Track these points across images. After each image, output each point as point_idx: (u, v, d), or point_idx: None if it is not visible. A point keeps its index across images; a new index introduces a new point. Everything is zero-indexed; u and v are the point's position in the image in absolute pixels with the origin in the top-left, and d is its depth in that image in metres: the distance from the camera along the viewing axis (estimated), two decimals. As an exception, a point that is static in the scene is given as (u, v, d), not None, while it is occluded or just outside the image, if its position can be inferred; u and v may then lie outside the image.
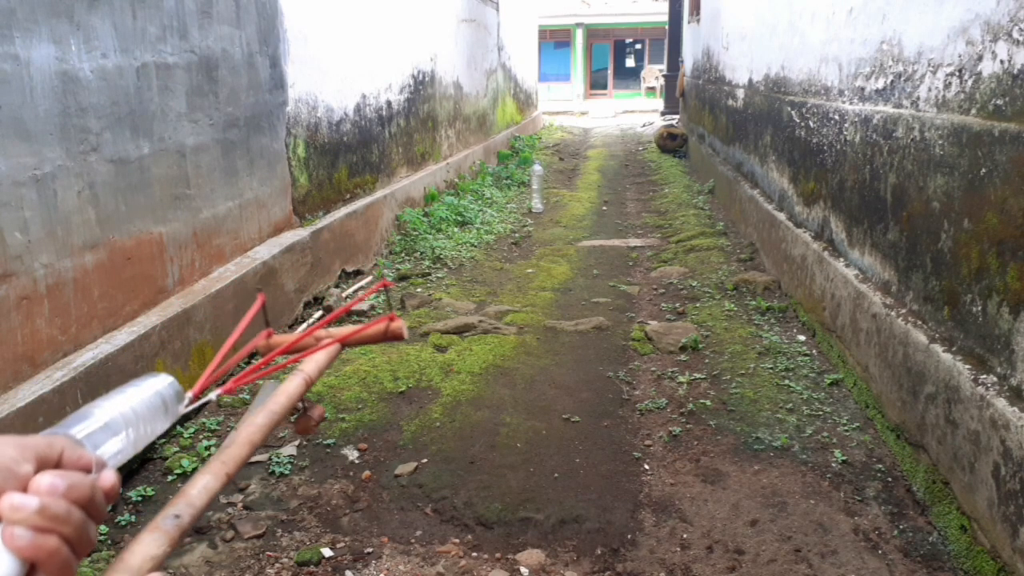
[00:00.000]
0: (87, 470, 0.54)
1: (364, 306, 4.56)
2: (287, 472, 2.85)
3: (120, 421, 0.62)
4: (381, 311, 4.64)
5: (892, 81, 3.31)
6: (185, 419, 3.22)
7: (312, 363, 0.89)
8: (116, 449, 0.60)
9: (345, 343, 0.96)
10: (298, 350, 0.94)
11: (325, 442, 3.07)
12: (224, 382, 0.81)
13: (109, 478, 0.55)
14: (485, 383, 3.63)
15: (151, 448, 2.97)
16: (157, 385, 0.68)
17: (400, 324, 0.97)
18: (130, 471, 2.82)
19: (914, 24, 3.08)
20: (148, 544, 0.57)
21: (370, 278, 5.34)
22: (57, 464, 0.53)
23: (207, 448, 2.97)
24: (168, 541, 0.58)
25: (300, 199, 4.75)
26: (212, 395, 0.75)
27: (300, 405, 0.87)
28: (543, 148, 13.29)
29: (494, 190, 8.80)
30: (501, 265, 5.87)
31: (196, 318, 3.38)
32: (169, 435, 3.08)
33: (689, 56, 12.41)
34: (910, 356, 2.82)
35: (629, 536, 2.49)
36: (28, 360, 2.58)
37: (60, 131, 2.70)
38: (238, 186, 3.99)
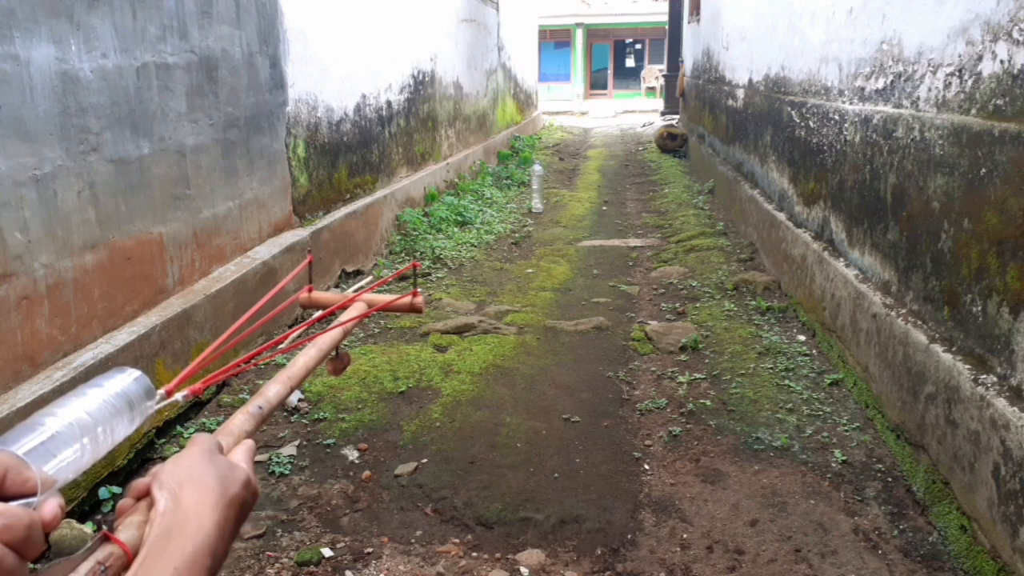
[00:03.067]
0: (32, 493, 0.52)
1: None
2: (287, 472, 2.85)
3: (74, 430, 0.58)
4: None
5: (892, 81, 3.31)
6: (185, 419, 3.22)
7: (347, 318, 1.13)
8: (69, 461, 0.57)
9: (374, 308, 1.22)
10: (331, 307, 1.22)
11: (325, 442, 3.07)
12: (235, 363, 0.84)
13: (51, 509, 0.53)
14: (485, 383, 3.63)
15: (151, 448, 2.97)
16: (122, 383, 0.64)
17: (421, 300, 1.25)
18: (130, 471, 2.82)
19: (914, 24, 3.08)
20: (241, 421, 0.79)
21: (370, 278, 5.34)
22: (0, 487, 0.50)
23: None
24: (254, 422, 0.81)
25: (300, 199, 4.75)
26: (179, 396, 0.75)
27: (335, 351, 1.10)
28: (543, 148, 13.29)
29: (494, 190, 8.80)
30: (501, 265, 5.87)
31: (196, 318, 3.38)
32: (169, 435, 3.08)
33: (689, 56, 12.41)
34: (910, 356, 2.82)
35: (629, 536, 2.49)
36: (28, 360, 2.58)
37: (60, 131, 2.70)
38: (238, 186, 3.99)
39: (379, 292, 1.30)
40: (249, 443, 0.74)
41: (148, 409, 0.67)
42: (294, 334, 1.19)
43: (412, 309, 1.24)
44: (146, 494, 0.61)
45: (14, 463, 0.52)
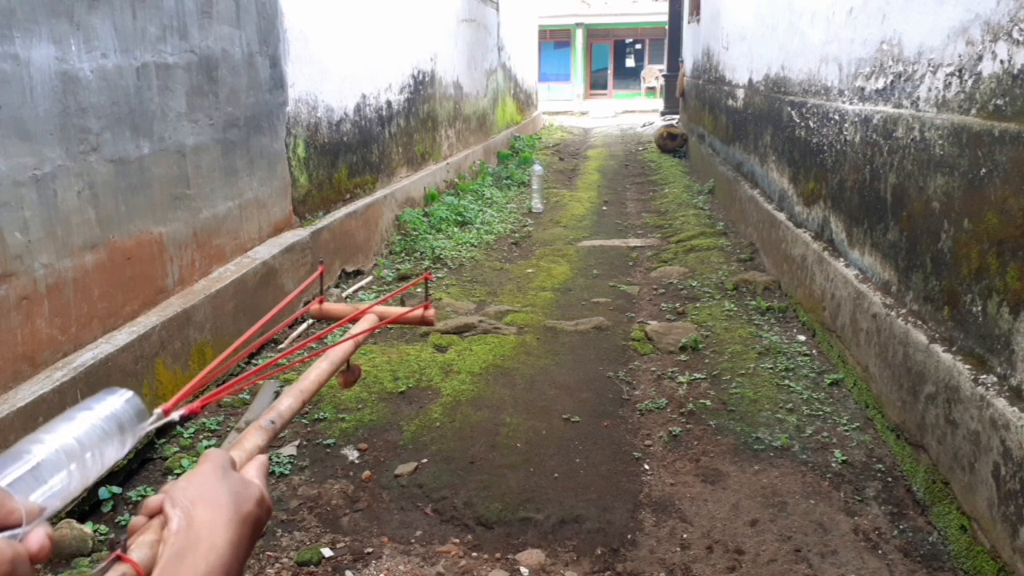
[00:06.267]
0: (17, 525, 0.51)
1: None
2: (287, 472, 2.85)
3: (60, 457, 0.57)
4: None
5: (892, 81, 3.31)
6: (184, 419, 3.21)
7: (359, 331, 1.15)
8: (56, 489, 0.56)
9: (386, 321, 1.21)
10: (342, 319, 1.23)
11: (325, 442, 3.07)
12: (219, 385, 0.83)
13: (37, 539, 0.51)
14: (485, 383, 3.63)
15: (151, 448, 2.97)
16: (112, 406, 0.63)
17: (432, 312, 1.25)
18: (130, 471, 2.82)
19: (914, 24, 3.08)
20: (254, 437, 0.80)
21: (370, 278, 5.34)
22: None
23: (207, 448, 2.96)
24: (267, 437, 0.81)
25: (300, 199, 4.75)
26: (175, 415, 0.74)
27: (347, 363, 1.11)
28: (543, 148, 13.29)
29: (494, 190, 8.80)
30: (501, 265, 5.87)
31: (196, 318, 3.38)
32: (169, 435, 3.08)
33: (689, 56, 12.41)
34: (910, 356, 2.82)
35: (629, 536, 2.49)
36: (28, 360, 2.58)
37: (60, 131, 2.70)
38: (238, 186, 3.99)
39: (388, 301, 1.29)
40: (262, 459, 0.73)
41: (140, 431, 0.65)
42: (294, 334, 1.19)
43: (423, 322, 1.25)
44: (159, 511, 0.61)
45: None
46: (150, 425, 0.67)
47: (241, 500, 0.63)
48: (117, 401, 0.64)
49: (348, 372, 1.16)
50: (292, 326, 4.23)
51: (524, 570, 2.33)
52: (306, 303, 4.50)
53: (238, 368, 3.46)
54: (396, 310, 1.26)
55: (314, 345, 1.13)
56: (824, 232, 4.26)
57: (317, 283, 1.29)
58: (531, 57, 16.31)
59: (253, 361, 3.73)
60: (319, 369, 0.99)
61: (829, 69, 4.28)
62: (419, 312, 1.24)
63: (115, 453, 0.62)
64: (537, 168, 8.03)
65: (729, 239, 6.34)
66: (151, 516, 0.61)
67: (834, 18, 4.19)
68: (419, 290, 4.80)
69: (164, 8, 3.30)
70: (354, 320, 1.19)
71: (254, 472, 0.70)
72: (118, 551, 0.57)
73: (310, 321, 4.43)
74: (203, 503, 0.60)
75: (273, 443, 3.05)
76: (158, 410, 0.70)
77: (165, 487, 0.62)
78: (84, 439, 0.59)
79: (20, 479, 0.54)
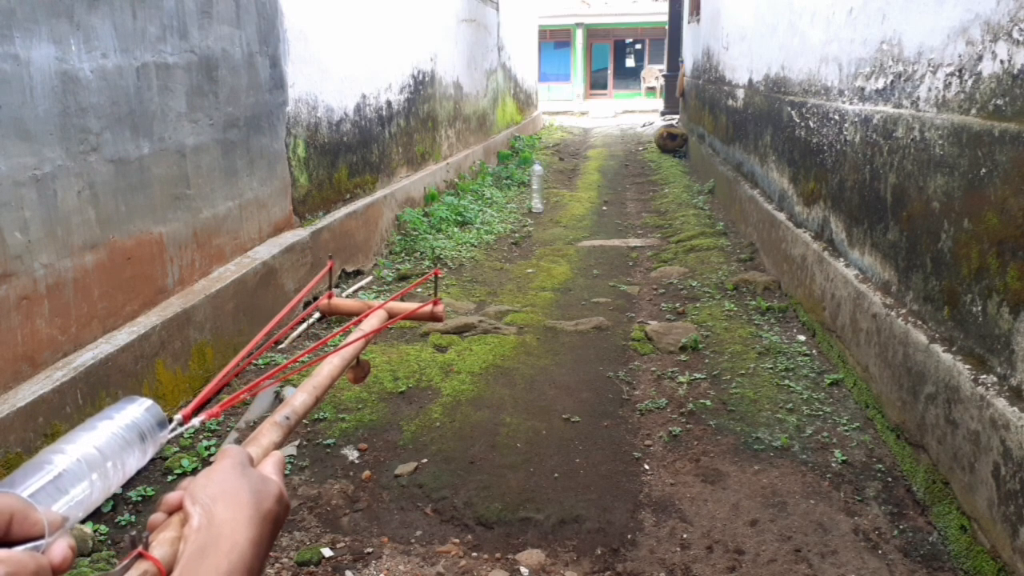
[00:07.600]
0: (40, 535, 0.51)
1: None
2: (287, 472, 2.84)
3: (82, 467, 0.57)
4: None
5: (892, 81, 3.31)
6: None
7: (368, 326, 1.14)
8: (78, 499, 0.56)
9: (396, 318, 1.21)
10: (356, 313, 1.22)
11: (325, 442, 3.07)
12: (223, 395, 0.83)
13: (60, 550, 0.51)
14: (485, 383, 3.63)
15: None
16: (132, 414, 0.63)
17: (441, 308, 1.25)
18: (130, 471, 2.82)
19: (914, 24, 3.08)
20: (270, 433, 0.79)
21: (370, 278, 5.34)
22: (6, 531, 0.49)
23: (207, 448, 2.97)
24: (282, 433, 0.80)
25: (300, 199, 4.75)
26: (196, 420, 0.73)
27: (356, 359, 1.10)
28: (543, 148, 13.29)
29: (494, 190, 8.80)
30: (501, 265, 5.87)
31: (196, 318, 3.38)
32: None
33: (689, 56, 12.41)
34: (910, 356, 2.82)
35: (629, 536, 2.49)
36: (28, 360, 2.58)
37: (60, 131, 2.70)
38: (238, 186, 3.99)
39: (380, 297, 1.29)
40: (279, 455, 0.73)
41: (161, 439, 0.66)
42: (295, 333, 1.19)
43: (433, 318, 1.26)
44: (178, 508, 0.61)
45: (20, 506, 0.51)
46: (170, 433, 0.67)
47: (261, 497, 0.62)
48: (137, 410, 0.64)
49: (358, 368, 1.17)
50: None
51: (524, 570, 2.33)
52: (307, 304, 4.51)
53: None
54: (406, 306, 1.26)
55: (325, 347, 1.13)
56: (824, 232, 4.26)
57: (322, 281, 1.30)
58: (531, 57, 16.31)
59: (254, 362, 3.74)
60: (331, 365, 0.99)
61: (829, 69, 4.28)
62: (429, 308, 1.24)
63: (136, 462, 0.62)
64: (537, 168, 8.03)
65: (729, 239, 6.34)
66: (171, 513, 0.61)
67: (834, 18, 4.19)
68: (420, 291, 4.80)
69: (164, 8, 3.30)
70: (364, 317, 1.20)
71: (271, 469, 0.69)
72: (140, 548, 0.57)
73: (315, 317, 4.43)
74: (224, 500, 0.60)
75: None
76: (178, 416, 0.71)
77: (184, 483, 0.62)
78: (105, 449, 0.59)
79: (42, 489, 0.54)
